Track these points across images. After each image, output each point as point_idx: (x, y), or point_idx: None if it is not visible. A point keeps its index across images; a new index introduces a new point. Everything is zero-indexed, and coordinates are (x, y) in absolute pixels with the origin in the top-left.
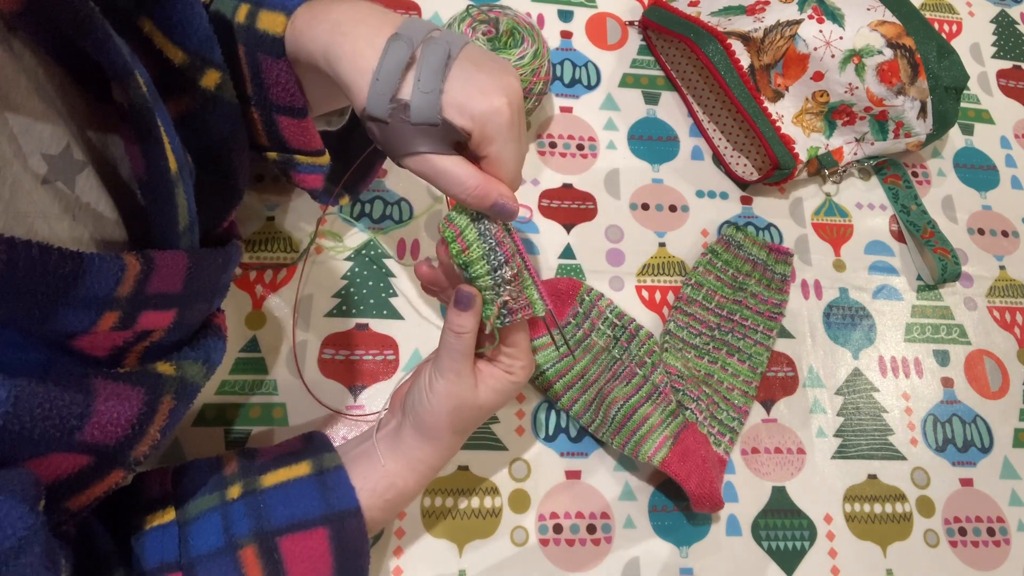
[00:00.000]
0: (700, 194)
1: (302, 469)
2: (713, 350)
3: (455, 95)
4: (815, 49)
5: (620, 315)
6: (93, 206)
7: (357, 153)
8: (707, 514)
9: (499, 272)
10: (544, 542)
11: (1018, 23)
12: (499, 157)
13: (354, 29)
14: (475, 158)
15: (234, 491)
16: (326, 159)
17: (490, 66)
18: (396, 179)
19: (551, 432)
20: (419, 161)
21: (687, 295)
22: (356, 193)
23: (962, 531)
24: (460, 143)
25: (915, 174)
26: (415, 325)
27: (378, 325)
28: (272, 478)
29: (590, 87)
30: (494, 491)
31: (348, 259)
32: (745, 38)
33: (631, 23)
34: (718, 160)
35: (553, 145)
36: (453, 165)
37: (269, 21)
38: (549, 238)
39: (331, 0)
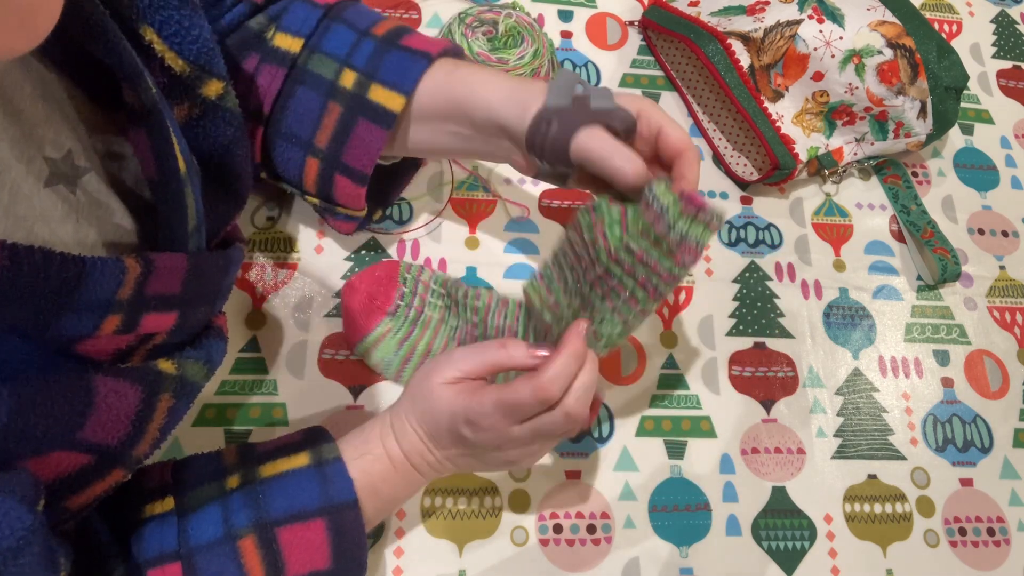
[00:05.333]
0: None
1: (301, 460)
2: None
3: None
4: (815, 49)
5: (443, 283)
6: (99, 208)
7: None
8: (707, 514)
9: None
10: (544, 542)
11: (1018, 23)
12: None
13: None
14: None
15: (233, 481)
16: (363, 212)
17: None
18: None
19: None
20: (593, 134)
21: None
22: (387, 204)
23: (962, 531)
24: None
25: (915, 174)
26: None
27: None
28: (271, 468)
29: None
30: (494, 491)
31: (347, 259)
32: (745, 38)
33: (631, 23)
34: (718, 160)
35: None
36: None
37: (385, 97)
38: (549, 238)
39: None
